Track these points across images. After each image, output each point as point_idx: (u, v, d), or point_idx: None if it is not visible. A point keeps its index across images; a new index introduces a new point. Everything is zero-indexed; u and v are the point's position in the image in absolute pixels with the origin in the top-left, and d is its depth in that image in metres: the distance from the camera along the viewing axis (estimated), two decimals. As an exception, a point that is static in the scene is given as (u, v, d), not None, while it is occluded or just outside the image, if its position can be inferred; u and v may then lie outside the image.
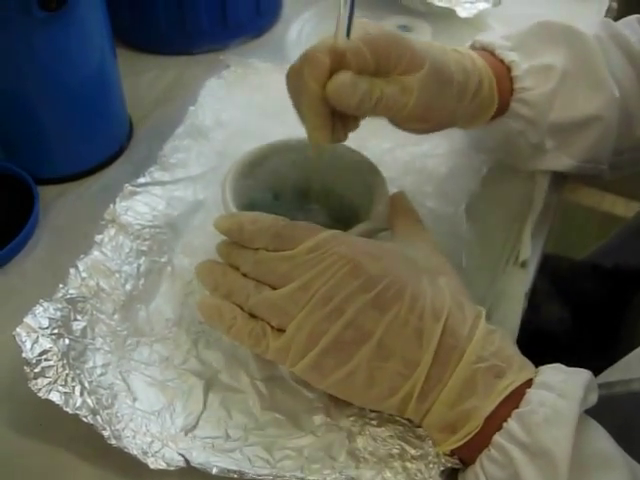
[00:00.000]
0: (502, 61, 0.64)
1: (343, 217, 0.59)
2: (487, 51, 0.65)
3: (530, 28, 0.67)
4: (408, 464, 0.47)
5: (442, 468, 0.47)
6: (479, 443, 0.45)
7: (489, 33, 0.67)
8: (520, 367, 0.46)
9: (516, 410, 0.44)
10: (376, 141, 0.70)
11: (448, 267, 0.52)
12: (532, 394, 0.44)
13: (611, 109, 0.64)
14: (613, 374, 0.56)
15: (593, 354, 0.83)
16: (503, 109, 0.64)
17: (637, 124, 0.66)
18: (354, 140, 0.59)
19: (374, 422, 0.50)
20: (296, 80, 0.52)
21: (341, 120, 0.53)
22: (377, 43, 0.51)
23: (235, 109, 0.77)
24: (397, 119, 0.57)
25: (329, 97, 0.50)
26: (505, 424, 0.44)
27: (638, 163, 0.71)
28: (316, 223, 0.51)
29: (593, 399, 0.45)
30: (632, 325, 0.85)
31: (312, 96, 0.50)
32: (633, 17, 0.69)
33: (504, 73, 0.64)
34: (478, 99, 0.61)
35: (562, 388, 0.44)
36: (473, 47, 0.66)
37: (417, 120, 0.57)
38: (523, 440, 0.42)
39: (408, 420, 0.49)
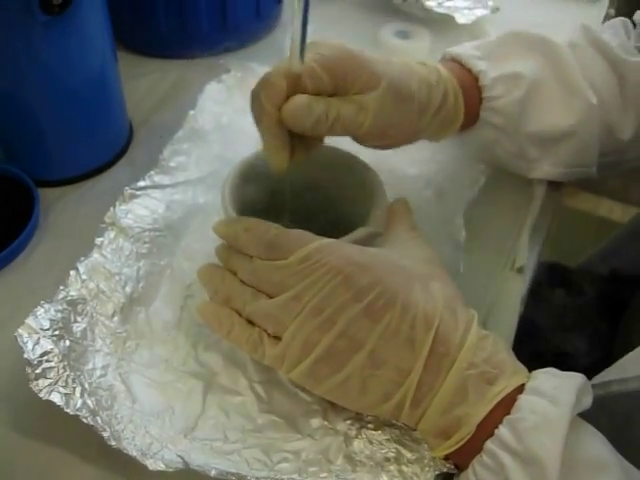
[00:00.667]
0: (470, 71, 0.64)
1: (342, 221, 0.59)
2: (456, 62, 0.65)
3: (501, 37, 0.67)
4: (404, 467, 0.47)
5: (437, 472, 0.47)
6: (472, 449, 0.45)
7: (460, 45, 0.67)
8: (512, 372, 0.46)
9: (507, 416, 0.44)
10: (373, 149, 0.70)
11: (442, 272, 0.52)
12: (523, 400, 0.45)
13: (589, 116, 0.64)
14: (610, 375, 0.57)
15: (591, 357, 0.84)
16: (474, 119, 0.65)
17: (619, 128, 0.66)
18: (353, 145, 0.60)
19: (371, 425, 0.50)
20: (255, 104, 0.52)
21: (301, 141, 0.53)
22: (333, 64, 0.52)
23: (235, 113, 0.78)
24: (356, 137, 0.58)
25: (284, 120, 0.50)
26: (496, 431, 0.44)
27: (624, 163, 0.71)
28: (314, 226, 0.52)
29: (587, 402, 0.45)
30: (629, 328, 0.85)
31: (269, 119, 0.51)
32: (618, 20, 0.70)
33: (473, 83, 0.64)
34: (443, 113, 0.61)
35: (553, 394, 0.44)
36: (444, 58, 0.67)
37: (376, 137, 0.57)
38: (514, 447, 0.43)
39: (404, 424, 0.49)
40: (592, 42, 0.66)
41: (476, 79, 0.64)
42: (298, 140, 0.53)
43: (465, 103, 0.63)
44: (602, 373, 0.57)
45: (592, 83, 0.65)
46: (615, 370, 0.57)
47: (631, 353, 0.56)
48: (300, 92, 0.50)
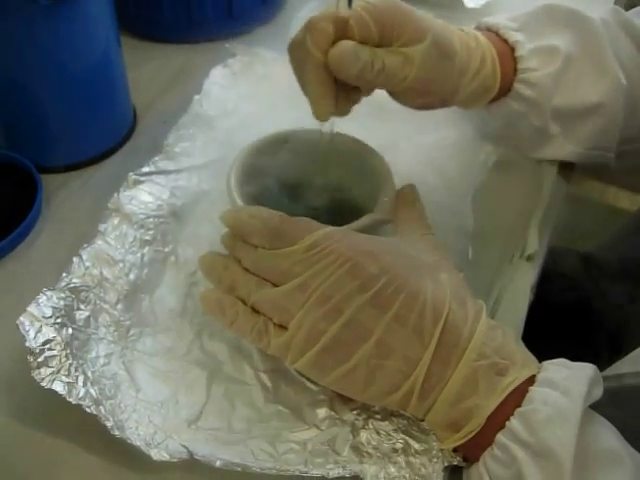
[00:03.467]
0: (506, 41, 0.63)
1: (349, 208, 0.58)
2: (492, 31, 0.64)
3: (536, 10, 0.66)
4: (412, 459, 0.47)
5: (446, 464, 0.46)
6: (482, 441, 0.44)
7: (495, 16, 0.66)
8: (523, 364, 0.46)
9: (519, 409, 0.43)
10: (382, 133, 0.69)
11: (449, 263, 0.51)
12: (535, 392, 0.44)
13: (616, 96, 0.63)
14: (623, 366, 0.56)
15: (603, 346, 0.83)
16: (506, 90, 0.64)
17: None
18: (360, 131, 0.59)
19: (378, 416, 0.49)
20: (299, 50, 0.52)
21: (344, 92, 0.53)
22: (381, 13, 0.51)
23: (240, 98, 0.77)
24: (397, 91, 0.57)
25: (331, 65, 0.50)
26: (508, 423, 0.43)
27: None
28: (322, 214, 0.51)
29: (598, 393, 0.45)
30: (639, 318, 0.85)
31: (316, 64, 0.50)
32: None
33: (508, 53, 0.63)
34: (480, 77, 0.60)
35: (565, 385, 0.43)
36: (478, 28, 0.66)
37: (417, 93, 0.57)
38: (526, 439, 0.42)
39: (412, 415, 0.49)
40: (621, 24, 0.66)
41: (512, 49, 0.63)
42: (341, 91, 0.53)
43: (500, 72, 0.62)
44: (616, 364, 0.57)
45: (621, 64, 0.64)
46: (628, 362, 0.56)
47: None
48: (346, 39, 0.50)
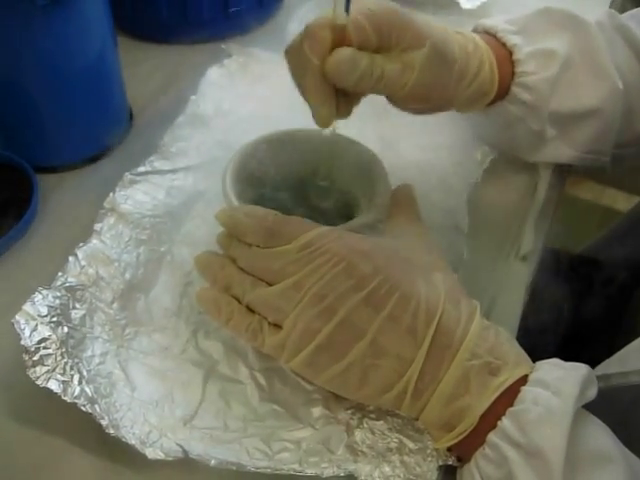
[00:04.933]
0: (504, 44, 0.63)
1: (344, 208, 0.58)
2: (490, 34, 0.64)
3: (534, 13, 0.66)
4: (406, 458, 0.47)
5: (441, 463, 0.46)
6: (474, 441, 0.45)
7: (493, 18, 0.66)
8: (515, 363, 0.46)
9: (510, 408, 0.44)
10: (378, 133, 0.69)
11: (444, 263, 0.52)
12: (526, 392, 0.44)
13: (613, 100, 0.63)
14: (611, 366, 0.56)
15: (594, 345, 0.83)
16: (503, 93, 0.64)
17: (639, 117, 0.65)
18: (356, 131, 0.59)
19: (373, 415, 0.49)
20: (297, 57, 0.51)
21: (344, 96, 0.53)
22: (379, 19, 0.51)
23: (236, 98, 0.77)
24: (396, 97, 0.57)
25: (328, 73, 0.49)
26: (499, 423, 0.43)
27: (639, 157, 0.70)
28: (317, 214, 0.51)
29: (592, 393, 0.45)
30: (633, 317, 0.85)
31: (314, 72, 0.50)
32: (638, 10, 0.69)
33: (506, 56, 0.63)
34: (478, 81, 0.60)
35: (557, 386, 0.43)
36: (475, 30, 0.66)
37: (416, 99, 0.57)
38: (517, 439, 0.42)
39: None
40: (617, 28, 0.66)
41: (509, 53, 0.63)
42: (341, 95, 0.52)
43: (498, 76, 0.62)
44: (603, 364, 0.57)
45: (618, 68, 0.64)
46: (615, 362, 0.56)
47: (632, 344, 0.56)
48: (344, 45, 0.50)
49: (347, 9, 0.48)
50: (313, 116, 0.52)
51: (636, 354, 0.55)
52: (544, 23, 0.65)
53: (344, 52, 0.49)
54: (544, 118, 0.64)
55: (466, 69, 0.58)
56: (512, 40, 0.63)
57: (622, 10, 0.70)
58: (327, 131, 0.54)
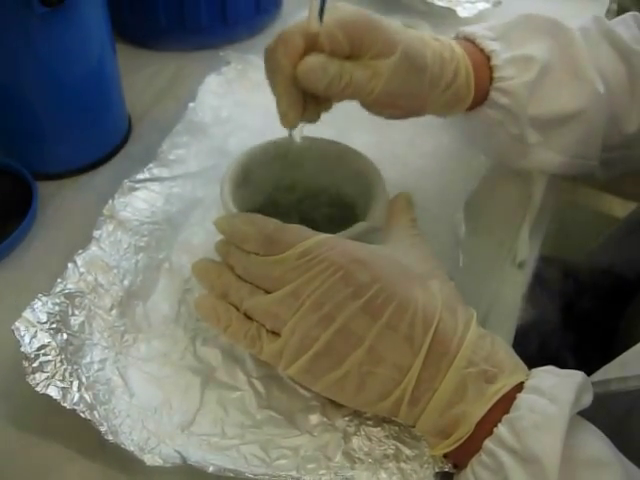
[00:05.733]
0: (482, 50, 0.64)
1: (342, 216, 0.59)
2: (469, 41, 0.65)
3: (514, 20, 0.67)
4: (403, 465, 0.47)
5: (437, 470, 0.47)
6: (471, 448, 0.45)
7: (473, 25, 0.67)
8: (512, 371, 0.46)
9: (506, 415, 0.44)
10: (375, 141, 0.70)
11: (441, 272, 0.52)
12: (522, 399, 0.44)
13: (595, 104, 0.63)
14: (609, 372, 0.56)
15: (592, 352, 0.83)
16: (483, 99, 0.64)
17: (627, 120, 0.65)
18: (352, 139, 0.59)
19: (370, 422, 0.50)
20: (272, 58, 0.52)
21: (314, 100, 0.54)
22: (350, 27, 0.52)
23: (235, 106, 0.77)
24: (366, 103, 0.57)
25: (299, 78, 0.50)
26: (495, 429, 0.43)
27: (630, 161, 0.70)
28: (314, 222, 0.51)
29: (587, 400, 0.45)
30: (631, 322, 0.85)
31: (285, 75, 0.51)
32: (629, 14, 0.69)
33: (484, 62, 0.63)
34: (453, 88, 0.60)
35: (552, 393, 0.43)
36: (456, 37, 0.66)
37: (385, 105, 0.57)
38: (513, 446, 0.42)
39: (403, 421, 0.49)
40: (603, 32, 0.66)
41: (488, 59, 0.63)
42: (311, 99, 0.53)
43: (475, 82, 0.62)
44: (602, 370, 0.57)
45: (601, 72, 0.64)
46: (615, 367, 0.56)
47: (631, 350, 0.56)
48: (316, 52, 0.50)
49: (321, 17, 0.49)
50: (279, 117, 0.53)
51: (635, 360, 0.55)
52: (523, 29, 0.66)
53: (314, 59, 0.50)
54: (524, 122, 0.64)
55: (440, 75, 0.59)
56: (490, 46, 0.63)
57: (622, 11, 0.71)
58: (295, 134, 0.56)
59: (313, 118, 0.55)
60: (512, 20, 0.67)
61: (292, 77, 0.50)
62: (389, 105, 0.58)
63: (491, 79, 0.63)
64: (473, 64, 0.62)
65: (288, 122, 0.53)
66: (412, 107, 0.60)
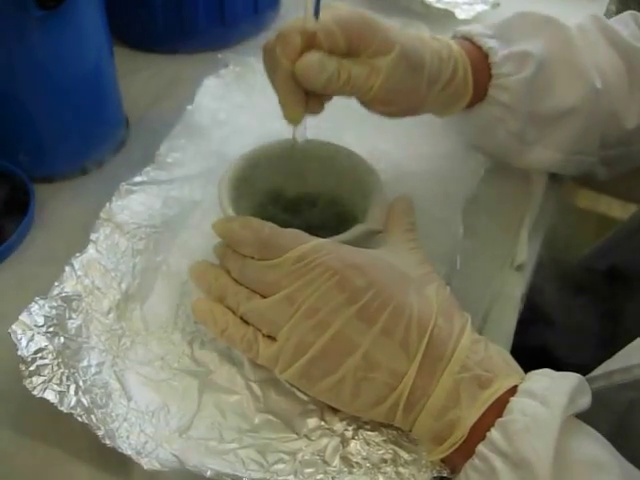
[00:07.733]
0: (480, 48, 0.64)
1: (340, 219, 0.59)
2: (467, 39, 0.65)
3: (511, 18, 0.67)
4: (401, 469, 0.47)
5: (435, 474, 0.46)
6: (465, 452, 0.44)
7: (471, 24, 0.67)
8: (506, 375, 0.46)
9: (499, 419, 0.43)
10: (373, 142, 0.70)
11: (437, 277, 0.52)
12: (515, 402, 0.44)
13: (592, 99, 0.64)
14: (613, 363, 0.56)
15: (592, 353, 0.83)
16: (482, 96, 0.65)
17: (625, 117, 0.66)
18: (351, 141, 0.59)
19: (368, 426, 0.49)
20: (270, 57, 0.53)
21: (315, 95, 0.54)
22: (348, 24, 0.52)
23: (233, 108, 0.77)
24: (364, 100, 0.58)
25: (297, 76, 0.51)
26: (488, 433, 0.43)
27: (630, 158, 0.70)
28: (312, 225, 0.51)
29: (584, 403, 0.44)
30: (631, 324, 0.85)
31: (284, 73, 0.51)
32: (627, 13, 0.69)
33: (482, 60, 0.64)
34: (452, 87, 0.61)
35: (545, 395, 0.43)
36: (454, 36, 0.67)
37: (383, 102, 0.58)
38: (504, 449, 0.42)
39: (400, 426, 0.49)
40: (601, 30, 0.66)
41: (486, 56, 0.64)
42: (312, 93, 0.54)
43: (474, 80, 0.63)
44: (605, 363, 0.56)
45: (599, 68, 0.64)
46: (619, 359, 0.56)
47: (636, 340, 0.56)
48: (314, 49, 0.51)
49: (316, 15, 0.50)
50: (283, 114, 0.54)
51: (638, 350, 0.55)
52: (520, 27, 0.66)
53: (313, 56, 0.50)
54: (523, 119, 0.65)
55: (438, 74, 0.59)
56: (488, 44, 0.64)
57: (622, 10, 0.71)
58: (298, 134, 0.56)
59: (317, 109, 0.55)
60: (508, 18, 0.67)
61: (292, 75, 0.51)
62: (387, 103, 0.58)
63: (490, 76, 0.64)
64: (471, 62, 0.62)
65: (292, 118, 0.53)
66: (410, 105, 0.60)
